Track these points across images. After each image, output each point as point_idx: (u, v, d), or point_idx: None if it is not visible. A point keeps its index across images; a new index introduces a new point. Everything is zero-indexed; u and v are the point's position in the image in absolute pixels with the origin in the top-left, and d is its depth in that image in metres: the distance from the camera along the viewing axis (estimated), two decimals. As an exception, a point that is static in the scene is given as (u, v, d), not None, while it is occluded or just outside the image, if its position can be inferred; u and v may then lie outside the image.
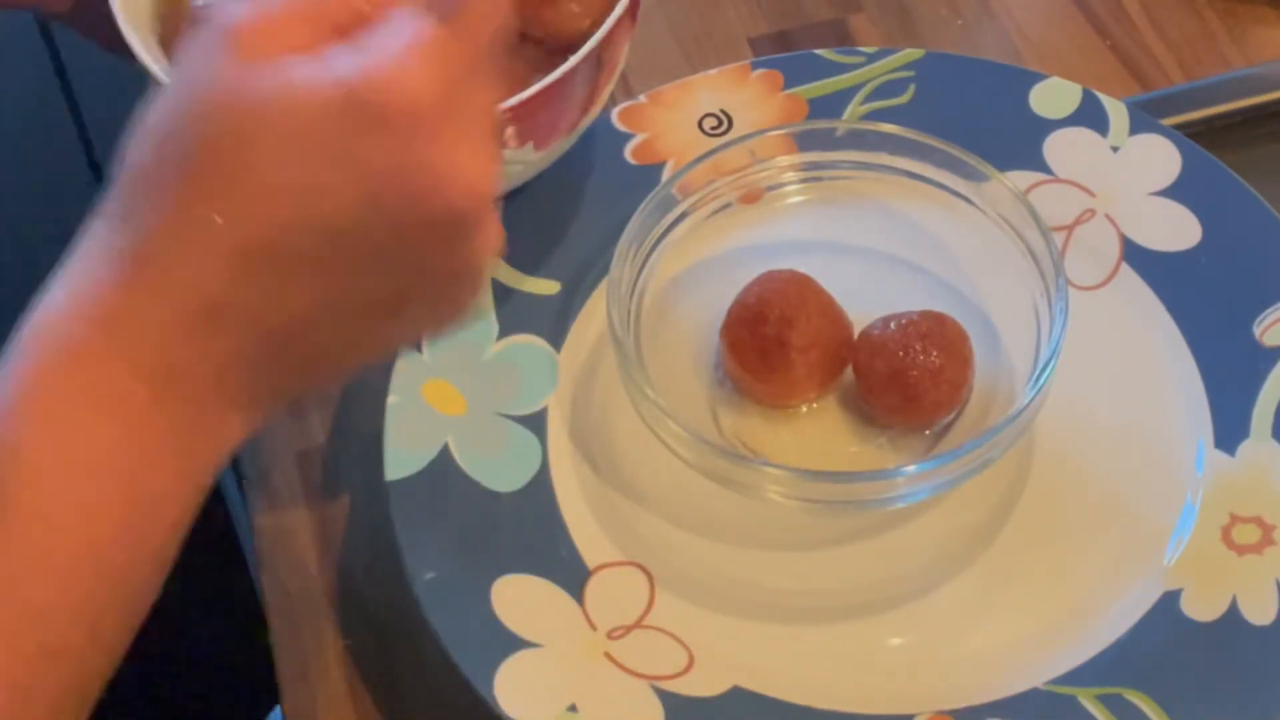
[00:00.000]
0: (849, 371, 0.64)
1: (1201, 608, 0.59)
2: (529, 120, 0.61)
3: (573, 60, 0.60)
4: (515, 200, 0.69)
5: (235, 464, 0.74)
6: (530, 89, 0.59)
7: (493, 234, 0.47)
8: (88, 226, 0.46)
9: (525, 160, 0.64)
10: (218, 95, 0.44)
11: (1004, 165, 0.67)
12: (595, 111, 0.65)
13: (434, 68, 0.44)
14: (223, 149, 0.44)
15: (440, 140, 0.44)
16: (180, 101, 0.45)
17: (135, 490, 0.45)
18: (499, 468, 0.64)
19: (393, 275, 0.46)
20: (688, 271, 0.68)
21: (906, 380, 0.62)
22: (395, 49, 0.44)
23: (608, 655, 0.59)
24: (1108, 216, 0.69)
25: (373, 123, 0.43)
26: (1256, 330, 0.65)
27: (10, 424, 0.44)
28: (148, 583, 0.46)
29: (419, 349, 0.66)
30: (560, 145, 0.65)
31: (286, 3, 0.45)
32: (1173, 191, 0.69)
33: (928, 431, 0.63)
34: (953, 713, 0.58)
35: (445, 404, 0.65)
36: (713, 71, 0.74)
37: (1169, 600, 0.60)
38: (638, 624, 0.61)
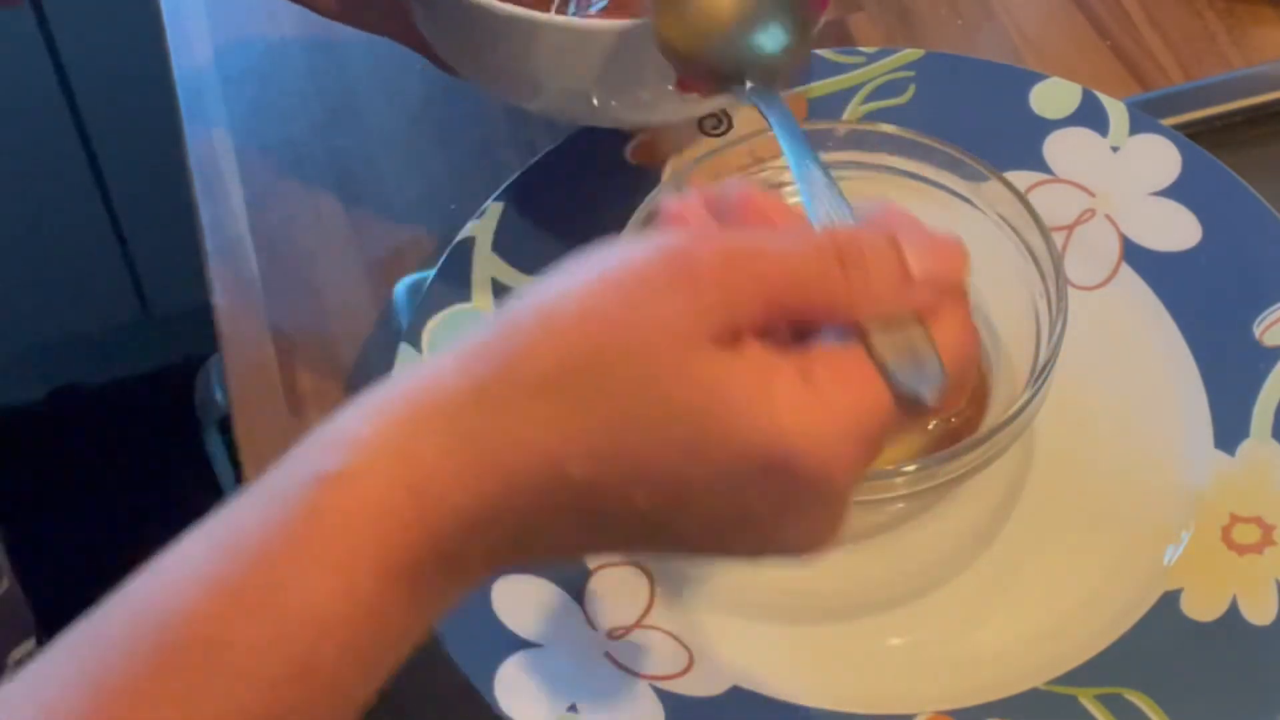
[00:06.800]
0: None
1: (1201, 608, 0.59)
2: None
3: None
4: (516, 200, 0.69)
5: (235, 466, 0.74)
6: None
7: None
8: (439, 359, 0.43)
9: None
10: (653, 362, 0.41)
11: (1004, 165, 0.67)
12: None
13: (864, 462, 0.43)
14: (634, 417, 0.42)
15: (819, 514, 0.43)
16: (613, 332, 0.42)
17: (386, 652, 0.43)
18: (499, 468, 0.64)
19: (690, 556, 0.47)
20: (688, 271, 0.68)
21: (906, 380, 0.62)
22: (845, 437, 0.42)
23: (608, 655, 0.59)
24: (1108, 216, 0.69)
25: (781, 481, 0.42)
26: (1256, 330, 0.65)
27: (298, 559, 0.41)
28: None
29: None
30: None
31: (761, 271, 0.43)
32: (1173, 191, 0.69)
33: (928, 431, 0.63)
34: (953, 713, 0.58)
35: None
36: (713, 71, 0.74)
37: (1169, 600, 0.60)
38: (638, 624, 0.61)
